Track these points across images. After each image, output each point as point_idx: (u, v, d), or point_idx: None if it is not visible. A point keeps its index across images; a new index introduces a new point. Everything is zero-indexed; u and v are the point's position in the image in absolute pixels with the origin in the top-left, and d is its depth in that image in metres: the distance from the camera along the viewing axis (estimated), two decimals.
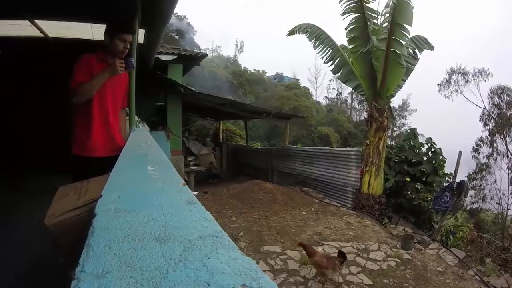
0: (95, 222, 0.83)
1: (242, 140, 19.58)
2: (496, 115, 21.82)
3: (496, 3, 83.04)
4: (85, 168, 2.67)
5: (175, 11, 4.37)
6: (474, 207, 18.51)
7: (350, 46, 8.23)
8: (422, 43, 8.92)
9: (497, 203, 18.58)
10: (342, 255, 4.76)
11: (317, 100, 52.78)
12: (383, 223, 7.61)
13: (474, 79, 23.43)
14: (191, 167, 11.21)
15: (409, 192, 8.20)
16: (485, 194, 20.04)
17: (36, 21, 4.88)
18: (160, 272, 0.60)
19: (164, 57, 8.66)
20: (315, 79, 57.16)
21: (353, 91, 12.40)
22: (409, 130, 9.97)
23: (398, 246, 6.08)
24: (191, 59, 10.09)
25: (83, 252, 0.69)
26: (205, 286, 0.55)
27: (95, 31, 5.82)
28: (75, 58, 2.79)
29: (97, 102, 2.83)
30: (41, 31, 5.25)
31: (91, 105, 2.80)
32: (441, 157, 8.49)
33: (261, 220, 7.09)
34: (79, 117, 2.87)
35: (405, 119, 50.38)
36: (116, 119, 3.06)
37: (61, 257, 1.65)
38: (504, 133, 20.47)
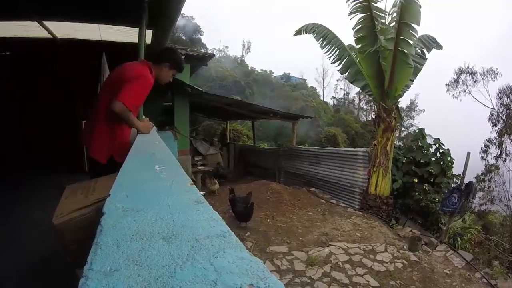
0: (103, 221, 0.84)
1: (249, 140, 19.58)
2: (505, 116, 21.61)
3: (498, 8, 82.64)
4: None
5: (182, 12, 4.37)
6: (482, 209, 18.30)
7: (358, 46, 8.18)
8: (430, 43, 8.85)
9: (505, 205, 18.37)
10: None
11: (324, 100, 52.65)
12: (390, 224, 7.56)
13: (482, 79, 23.26)
14: (198, 167, 11.23)
15: (416, 193, 8.14)
16: (494, 196, 19.82)
17: (44, 22, 4.93)
18: (167, 271, 0.60)
19: None
20: (323, 79, 57.08)
21: (360, 91, 12.35)
22: (417, 131, 9.91)
23: (405, 247, 6.04)
24: (198, 59, 10.13)
25: (91, 250, 0.69)
26: (213, 285, 0.55)
27: (102, 32, 5.86)
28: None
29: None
30: (49, 32, 5.29)
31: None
32: (449, 158, 8.41)
33: (268, 220, 7.08)
34: (120, 126, 2.89)
35: (413, 119, 50.10)
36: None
37: (68, 256, 1.67)
38: None
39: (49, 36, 5.51)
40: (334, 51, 8.87)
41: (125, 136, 2.99)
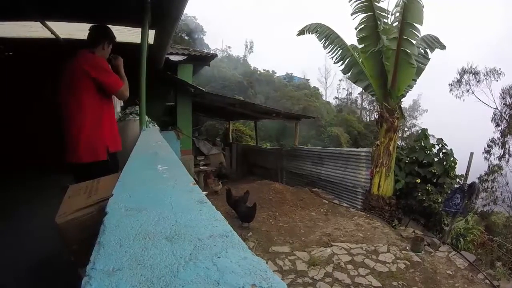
0: (106, 221, 0.84)
1: (251, 140, 19.59)
2: (508, 116, 21.52)
3: (498, 8, 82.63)
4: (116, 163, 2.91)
5: (184, 12, 4.38)
6: (485, 210, 18.25)
7: (360, 46, 8.16)
8: (433, 42, 8.82)
9: (508, 206, 18.33)
10: None
11: (327, 100, 52.55)
12: (393, 224, 7.54)
13: (485, 78, 23.17)
14: (201, 167, 11.24)
15: (419, 194, 8.11)
16: (497, 197, 19.78)
17: (47, 22, 4.94)
18: (170, 270, 0.60)
19: (174, 58, 8.71)
20: (325, 79, 56.99)
21: (363, 91, 12.34)
22: (420, 131, 9.87)
23: (407, 248, 6.03)
24: (201, 59, 10.13)
25: (94, 249, 0.69)
26: (215, 285, 0.55)
27: None
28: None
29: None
30: (52, 32, 5.31)
31: (112, 103, 3.14)
32: (452, 158, 8.38)
33: (270, 220, 7.08)
34: (107, 116, 3.00)
35: (416, 119, 50.02)
36: None
37: (71, 255, 1.67)
38: None
39: (52, 36, 5.52)
40: (336, 51, 8.87)
41: (111, 122, 3.05)
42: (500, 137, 21.62)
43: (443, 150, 8.54)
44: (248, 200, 7.37)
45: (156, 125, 5.03)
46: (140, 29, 3.94)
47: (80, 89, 2.83)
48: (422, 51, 8.63)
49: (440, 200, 7.86)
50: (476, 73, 23.52)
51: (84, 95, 2.82)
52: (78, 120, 2.85)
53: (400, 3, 6.92)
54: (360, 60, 8.76)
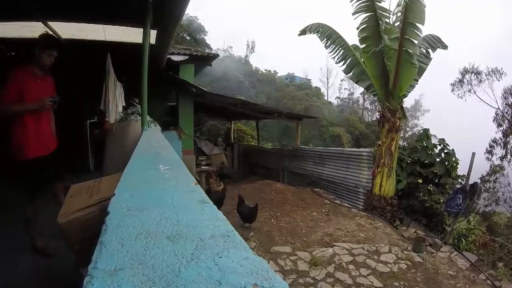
0: (108, 220, 0.84)
1: (253, 140, 19.59)
2: (510, 116, 21.44)
3: (497, 7, 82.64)
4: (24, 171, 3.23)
5: (186, 12, 4.38)
6: (487, 210, 18.17)
7: (362, 46, 8.15)
8: (435, 42, 8.80)
9: (510, 206, 18.26)
10: None
11: (328, 100, 52.59)
12: (395, 225, 7.52)
13: (487, 78, 23.04)
14: (203, 167, 11.23)
15: (421, 194, 8.10)
16: (499, 197, 19.68)
17: (49, 22, 4.95)
18: (172, 270, 0.60)
19: (175, 58, 8.71)
20: (327, 79, 56.98)
21: (365, 91, 12.31)
22: (421, 131, 9.85)
23: (409, 248, 6.01)
24: (203, 59, 10.14)
25: (96, 249, 0.69)
26: (217, 285, 0.55)
27: (107, 33, 5.89)
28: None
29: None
30: (54, 32, 5.31)
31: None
32: (454, 159, 8.37)
33: (272, 220, 7.08)
34: (15, 124, 3.21)
35: (418, 119, 50.02)
36: (50, 120, 3.54)
37: (73, 255, 1.68)
38: None
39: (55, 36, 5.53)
40: (338, 51, 8.84)
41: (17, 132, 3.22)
42: (502, 137, 21.52)
43: (445, 150, 8.53)
44: (251, 200, 7.36)
45: (157, 125, 5.03)
46: (142, 29, 3.95)
47: None
48: (424, 51, 8.61)
49: (442, 200, 7.85)
50: (478, 73, 23.42)
51: None
52: None
53: (402, 3, 6.90)
54: (361, 60, 8.74)
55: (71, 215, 1.57)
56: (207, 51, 16.09)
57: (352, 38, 8.78)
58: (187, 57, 9.18)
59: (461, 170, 8.36)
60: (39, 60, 3.29)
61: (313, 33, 9.03)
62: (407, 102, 41.83)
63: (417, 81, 8.55)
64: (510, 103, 21.47)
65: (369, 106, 51.28)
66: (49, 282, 2.88)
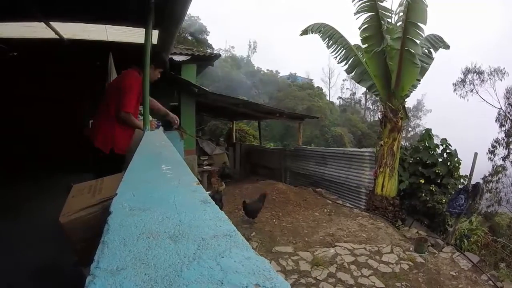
0: (110, 220, 0.84)
1: (255, 140, 19.58)
2: None
3: (497, 9, 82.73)
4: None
5: (188, 12, 4.38)
6: (489, 211, 18.09)
7: (364, 46, 8.14)
8: (437, 42, 8.79)
9: None
10: None
11: (330, 100, 52.52)
12: (397, 225, 7.50)
13: (490, 78, 22.99)
14: (205, 167, 11.24)
15: (423, 194, 8.07)
16: (501, 197, 19.63)
17: (51, 23, 4.96)
18: (174, 270, 0.60)
19: (177, 58, 8.72)
20: (329, 79, 57.03)
21: (367, 91, 12.29)
22: (424, 131, 9.83)
23: (411, 249, 6.00)
24: (205, 59, 10.15)
25: (98, 249, 0.69)
26: (219, 285, 0.55)
27: (109, 33, 5.90)
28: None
29: None
30: (56, 32, 5.33)
31: None
32: (456, 159, 8.34)
33: (274, 220, 7.08)
34: (118, 125, 3.57)
35: (420, 119, 49.96)
36: None
37: (75, 254, 1.68)
38: None
39: (56, 37, 5.55)
40: (340, 51, 8.84)
41: (124, 134, 3.63)
42: (504, 138, 21.46)
43: (447, 151, 8.50)
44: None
45: (159, 124, 5.03)
46: (144, 29, 3.95)
47: (113, 97, 3.57)
48: (426, 50, 8.60)
49: (444, 200, 7.83)
50: (480, 73, 23.36)
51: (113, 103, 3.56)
52: (102, 118, 3.66)
53: (404, 2, 6.89)
54: (363, 60, 8.73)
55: (73, 214, 1.58)
56: (209, 51, 16.11)
57: (354, 38, 8.78)
58: (189, 57, 9.19)
59: (463, 170, 8.35)
60: (153, 74, 3.77)
61: (315, 33, 9.03)
62: (409, 102, 41.72)
63: (419, 81, 8.54)
64: None
65: (371, 106, 51.32)
66: (52, 283, 2.89)
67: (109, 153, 3.49)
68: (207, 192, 6.05)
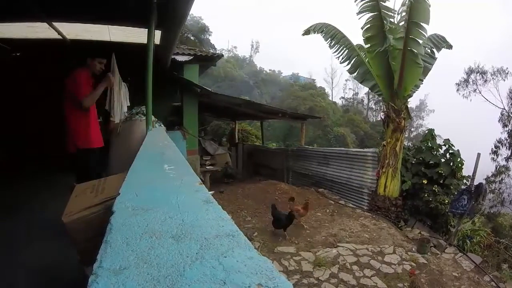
0: (113, 219, 0.85)
1: (257, 140, 19.56)
2: None
3: (497, 8, 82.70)
4: (88, 158, 3.77)
5: (190, 12, 4.39)
6: (492, 211, 17.97)
7: (367, 46, 8.12)
8: (440, 42, 8.75)
9: None
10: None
11: (333, 100, 52.39)
12: (399, 226, 7.48)
13: (493, 78, 22.80)
14: (207, 167, 11.25)
15: (426, 195, 8.04)
16: (504, 198, 19.50)
17: (54, 23, 4.98)
18: (176, 269, 0.60)
19: (180, 58, 8.74)
20: (331, 79, 56.91)
21: (369, 91, 12.29)
22: (426, 131, 9.79)
23: (413, 249, 5.99)
24: (207, 59, 10.16)
25: (101, 248, 0.70)
26: (221, 285, 0.55)
27: (112, 33, 5.91)
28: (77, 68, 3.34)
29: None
30: (59, 33, 5.35)
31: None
32: (459, 159, 8.30)
33: None
34: (80, 117, 3.76)
35: (423, 119, 49.78)
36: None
37: (78, 253, 1.68)
38: None
39: (59, 37, 5.56)
40: (342, 51, 8.83)
41: (83, 124, 3.79)
42: (507, 138, 21.28)
43: (450, 151, 8.46)
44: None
45: (162, 125, 5.04)
46: (146, 29, 3.96)
47: (70, 96, 3.76)
48: (429, 50, 8.57)
49: (446, 201, 7.79)
50: (483, 73, 23.20)
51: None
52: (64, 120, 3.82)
53: (407, 2, 6.88)
54: (366, 60, 8.71)
55: (76, 214, 1.58)
56: (211, 51, 16.13)
57: (356, 38, 8.77)
58: (191, 57, 9.20)
59: (466, 170, 8.30)
60: (91, 66, 3.86)
61: (317, 33, 9.02)
62: (412, 102, 41.45)
63: (422, 81, 8.52)
64: None
65: (373, 106, 51.12)
66: (53, 281, 2.90)
67: (76, 151, 3.73)
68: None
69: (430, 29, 7.49)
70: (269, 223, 6.62)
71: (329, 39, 8.84)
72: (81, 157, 3.75)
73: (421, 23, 7.04)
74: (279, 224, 6.21)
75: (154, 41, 3.95)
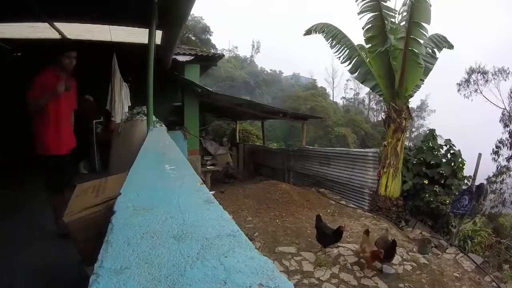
0: (114, 219, 0.85)
1: (258, 140, 19.56)
2: None
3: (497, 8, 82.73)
4: (46, 165, 3.73)
5: (191, 13, 4.39)
6: (493, 212, 17.93)
7: (368, 46, 8.12)
8: (441, 42, 8.74)
9: None
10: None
11: (334, 100, 52.47)
12: (400, 226, 7.48)
13: (494, 78, 22.77)
14: (208, 167, 11.25)
15: (427, 195, 8.02)
16: (505, 198, 19.46)
17: (55, 23, 4.98)
18: (178, 269, 0.60)
19: (181, 58, 8.74)
20: (332, 79, 56.86)
21: (370, 91, 12.26)
22: (427, 131, 9.78)
23: (414, 250, 5.98)
24: (208, 59, 10.17)
25: (102, 248, 0.70)
26: (222, 284, 0.55)
27: (113, 33, 5.91)
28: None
29: (52, 110, 3.67)
30: (60, 33, 5.35)
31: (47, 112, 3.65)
32: (460, 159, 8.28)
33: (277, 220, 7.07)
34: (36, 122, 3.68)
35: (424, 120, 49.73)
36: (69, 121, 3.97)
37: (79, 253, 1.68)
38: None
39: (60, 37, 5.57)
40: (344, 51, 8.82)
41: (38, 129, 3.71)
42: (508, 138, 21.25)
43: (451, 151, 8.45)
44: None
45: (163, 125, 5.05)
46: (147, 29, 3.96)
47: None
48: (430, 50, 8.57)
49: (447, 201, 7.77)
50: (484, 73, 23.16)
51: None
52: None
53: (408, 2, 6.88)
54: (367, 60, 8.71)
55: (77, 214, 1.58)
56: (212, 51, 16.15)
57: (357, 38, 8.77)
58: (192, 57, 9.20)
59: (468, 171, 8.27)
60: (65, 65, 3.78)
61: (319, 33, 9.01)
62: (413, 102, 41.59)
63: (423, 81, 8.51)
64: None
65: (374, 106, 51.17)
66: (53, 281, 2.90)
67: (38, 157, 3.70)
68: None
69: (431, 29, 7.49)
70: (269, 223, 6.63)
71: (330, 39, 8.84)
72: (40, 162, 3.76)
73: (422, 23, 7.03)
74: (324, 240, 5.54)
75: (155, 41, 3.95)
